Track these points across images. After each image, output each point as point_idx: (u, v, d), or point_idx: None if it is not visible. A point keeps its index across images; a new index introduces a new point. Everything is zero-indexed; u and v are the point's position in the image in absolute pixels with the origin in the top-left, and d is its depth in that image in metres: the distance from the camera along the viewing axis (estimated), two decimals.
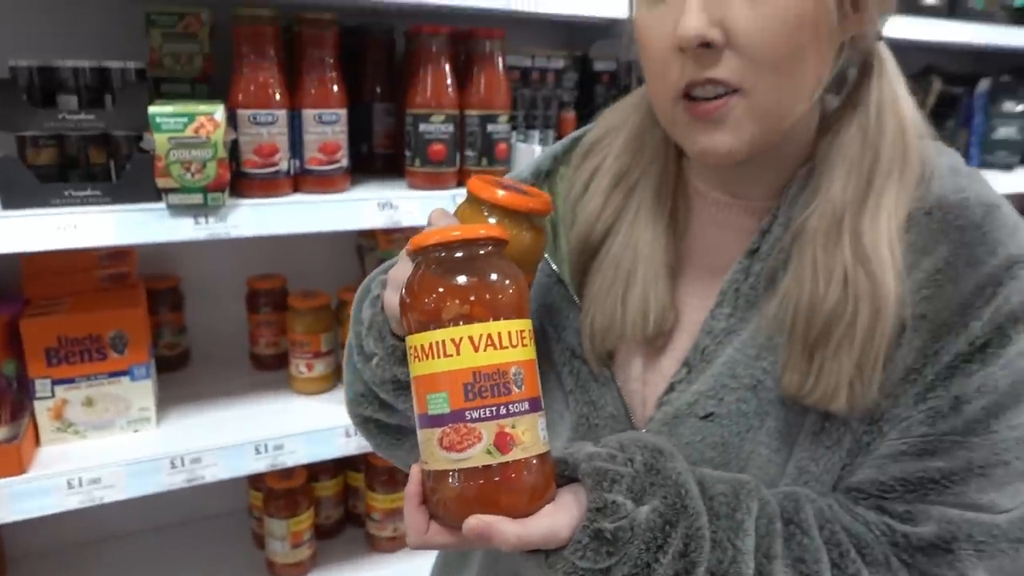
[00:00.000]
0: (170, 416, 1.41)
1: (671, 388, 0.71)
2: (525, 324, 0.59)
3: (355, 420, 0.82)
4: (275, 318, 1.60)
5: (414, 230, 1.76)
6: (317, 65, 1.31)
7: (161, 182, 1.16)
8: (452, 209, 0.67)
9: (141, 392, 1.34)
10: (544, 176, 0.81)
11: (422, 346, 0.57)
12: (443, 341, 0.56)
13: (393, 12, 1.53)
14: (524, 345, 0.58)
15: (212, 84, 1.43)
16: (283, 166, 1.29)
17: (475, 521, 0.55)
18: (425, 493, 0.59)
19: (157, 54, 1.39)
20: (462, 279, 0.57)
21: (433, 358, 0.56)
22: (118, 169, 1.24)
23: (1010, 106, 2.06)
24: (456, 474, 0.56)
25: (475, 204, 0.66)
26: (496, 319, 0.57)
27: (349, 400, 0.80)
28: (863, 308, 0.62)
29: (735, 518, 0.61)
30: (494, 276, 0.58)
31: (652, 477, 0.61)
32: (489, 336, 0.56)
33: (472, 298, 0.57)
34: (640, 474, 0.61)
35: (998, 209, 0.66)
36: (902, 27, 1.72)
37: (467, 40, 1.42)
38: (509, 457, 0.56)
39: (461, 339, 0.56)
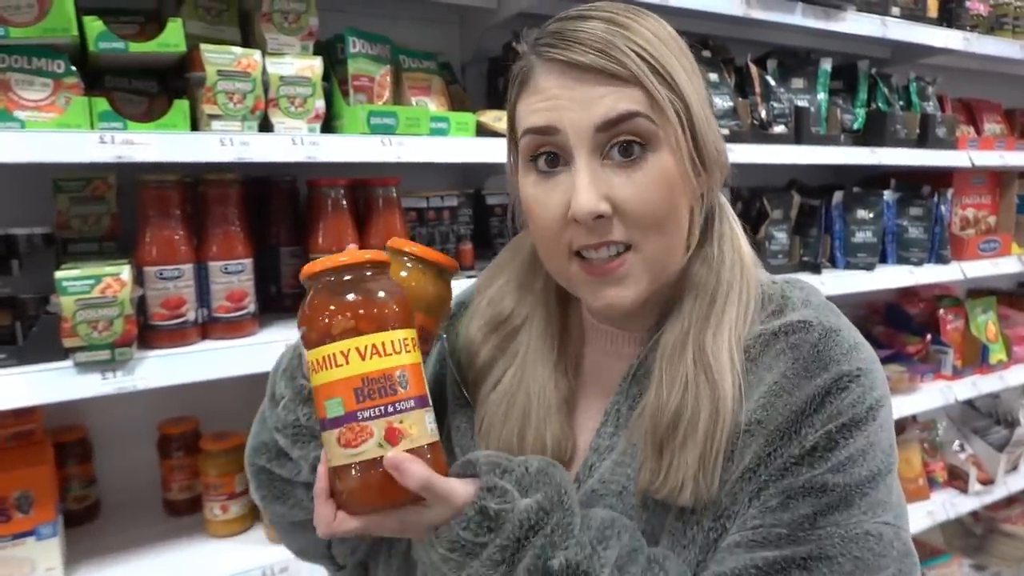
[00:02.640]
0: (80, 572, 1.39)
1: None
2: (408, 333, 0.69)
3: (250, 469, 0.90)
4: (188, 462, 1.61)
5: None
6: (221, 220, 1.40)
7: (68, 342, 1.20)
8: None
9: (47, 551, 1.32)
10: (464, 307, 0.92)
11: (318, 359, 0.66)
12: (335, 353, 0.65)
13: (294, 166, 1.65)
14: (408, 351, 0.68)
15: (120, 241, 1.49)
16: (191, 316, 1.35)
17: (392, 454, 0.65)
18: (332, 488, 0.69)
19: (65, 216, 1.45)
20: (349, 298, 0.67)
21: (328, 369, 0.66)
22: (25, 330, 1.28)
23: (863, 214, 2.30)
24: (356, 467, 0.65)
25: (393, 255, 0.77)
26: (380, 331, 0.66)
27: (251, 449, 0.89)
28: (704, 407, 0.72)
29: (604, 534, 0.70)
30: (378, 294, 0.68)
31: (541, 478, 0.70)
32: (374, 346, 0.66)
33: (358, 313, 0.66)
34: (531, 473, 0.71)
35: (837, 333, 0.74)
36: (759, 153, 1.94)
37: (364, 188, 1.54)
38: (399, 448, 0.65)
39: (349, 350, 0.65)
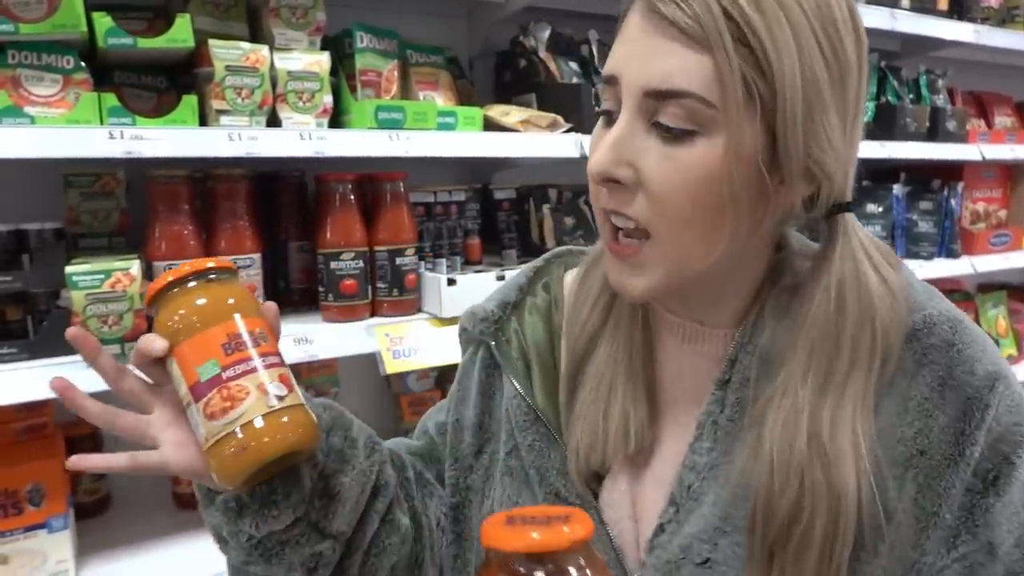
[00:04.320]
0: (90, 565, 1.40)
1: (661, 529, 0.70)
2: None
3: None
4: None
5: (328, 363, 1.83)
6: (230, 215, 1.40)
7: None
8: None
9: (58, 544, 1.33)
10: (512, 307, 0.82)
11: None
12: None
13: (301, 161, 1.65)
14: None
15: (129, 236, 1.50)
16: None
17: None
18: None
19: (75, 212, 1.46)
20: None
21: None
22: (35, 325, 1.29)
23: (872, 208, 2.29)
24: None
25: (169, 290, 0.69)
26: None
27: None
28: (820, 511, 0.61)
29: None
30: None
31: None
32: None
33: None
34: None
35: (961, 323, 0.67)
36: None
37: (372, 183, 1.55)
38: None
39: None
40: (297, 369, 1.82)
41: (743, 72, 0.58)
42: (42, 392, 1.20)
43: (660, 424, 0.74)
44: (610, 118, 0.65)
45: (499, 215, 1.83)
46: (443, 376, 2.04)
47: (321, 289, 1.49)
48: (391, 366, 1.44)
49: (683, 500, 0.69)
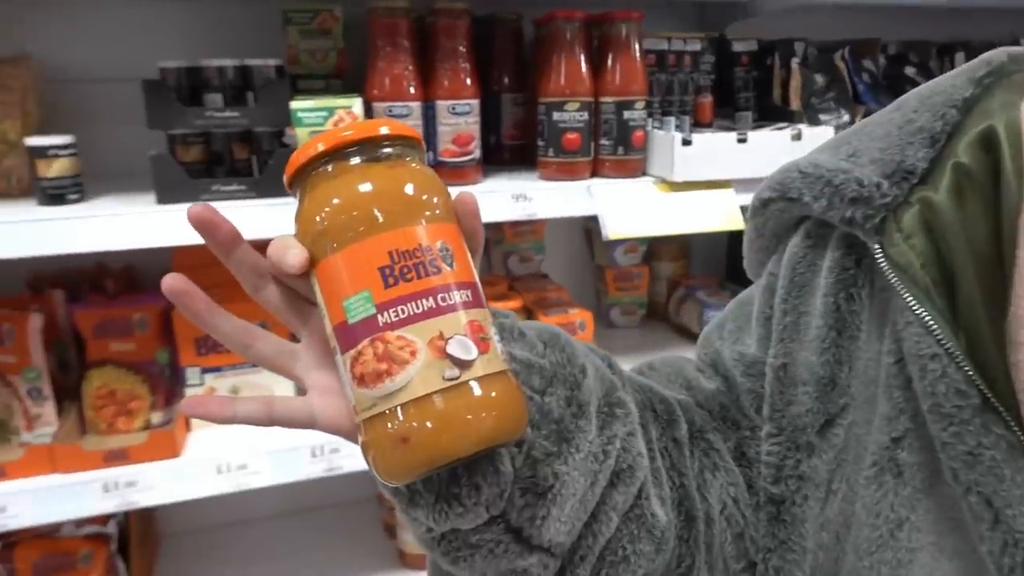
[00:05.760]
0: None
1: None
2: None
3: None
4: None
5: (535, 226, 1.74)
6: (450, 55, 1.29)
7: (293, 197, 1.17)
8: None
9: (281, 382, 1.37)
10: (918, 179, 0.47)
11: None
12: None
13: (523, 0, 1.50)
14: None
15: (345, 79, 1.45)
16: None
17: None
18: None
19: (294, 51, 1.41)
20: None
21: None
22: (260, 164, 1.27)
23: None
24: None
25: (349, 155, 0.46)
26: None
27: None
28: None
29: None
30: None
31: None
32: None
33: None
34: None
35: None
36: None
37: (601, 24, 1.37)
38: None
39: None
40: (502, 232, 1.74)
41: None
42: (267, 230, 1.19)
43: None
44: None
45: (736, 71, 1.60)
46: (652, 251, 1.90)
47: (540, 143, 1.37)
48: (613, 231, 1.31)
49: None
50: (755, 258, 0.62)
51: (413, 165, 0.45)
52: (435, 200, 0.44)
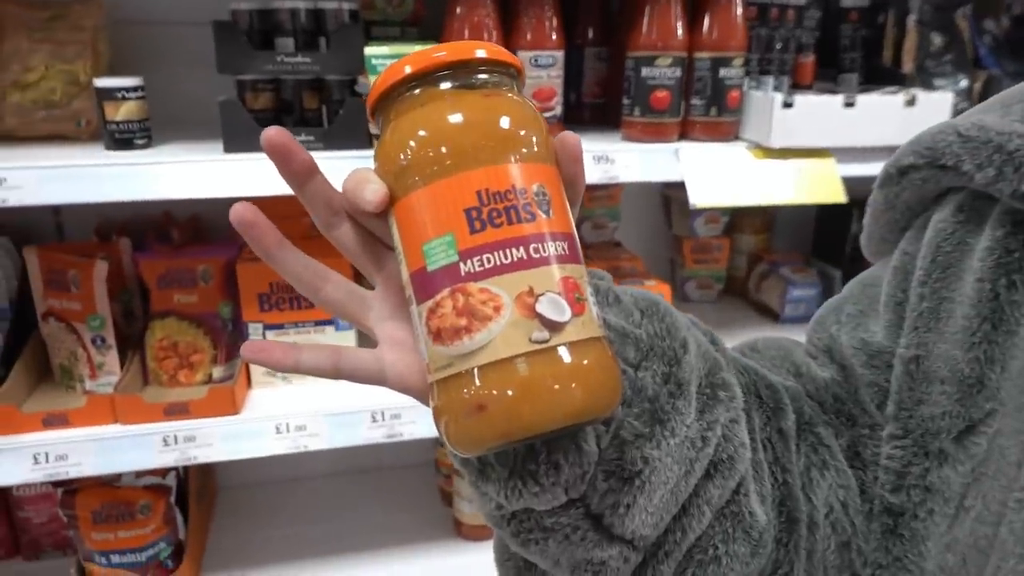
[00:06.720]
0: None
1: None
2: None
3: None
4: None
5: (612, 191, 1.65)
6: (534, 4, 1.20)
7: (375, 127, 1.11)
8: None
9: (344, 342, 1.33)
10: None
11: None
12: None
13: None
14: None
15: (422, 28, 1.37)
16: None
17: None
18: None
19: None
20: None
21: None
22: (330, 114, 1.21)
23: None
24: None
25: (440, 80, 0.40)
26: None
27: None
28: None
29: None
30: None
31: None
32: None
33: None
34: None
35: None
36: None
37: None
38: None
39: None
40: None
41: None
42: (336, 183, 1.13)
43: None
44: None
45: (843, 28, 1.46)
46: (734, 223, 1.79)
47: (626, 101, 1.27)
48: (699, 199, 1.21)
49: None
50: (879, 234, 0.55)
51: (511, 96, 0.40)
52: (534, 138, 0.38)
